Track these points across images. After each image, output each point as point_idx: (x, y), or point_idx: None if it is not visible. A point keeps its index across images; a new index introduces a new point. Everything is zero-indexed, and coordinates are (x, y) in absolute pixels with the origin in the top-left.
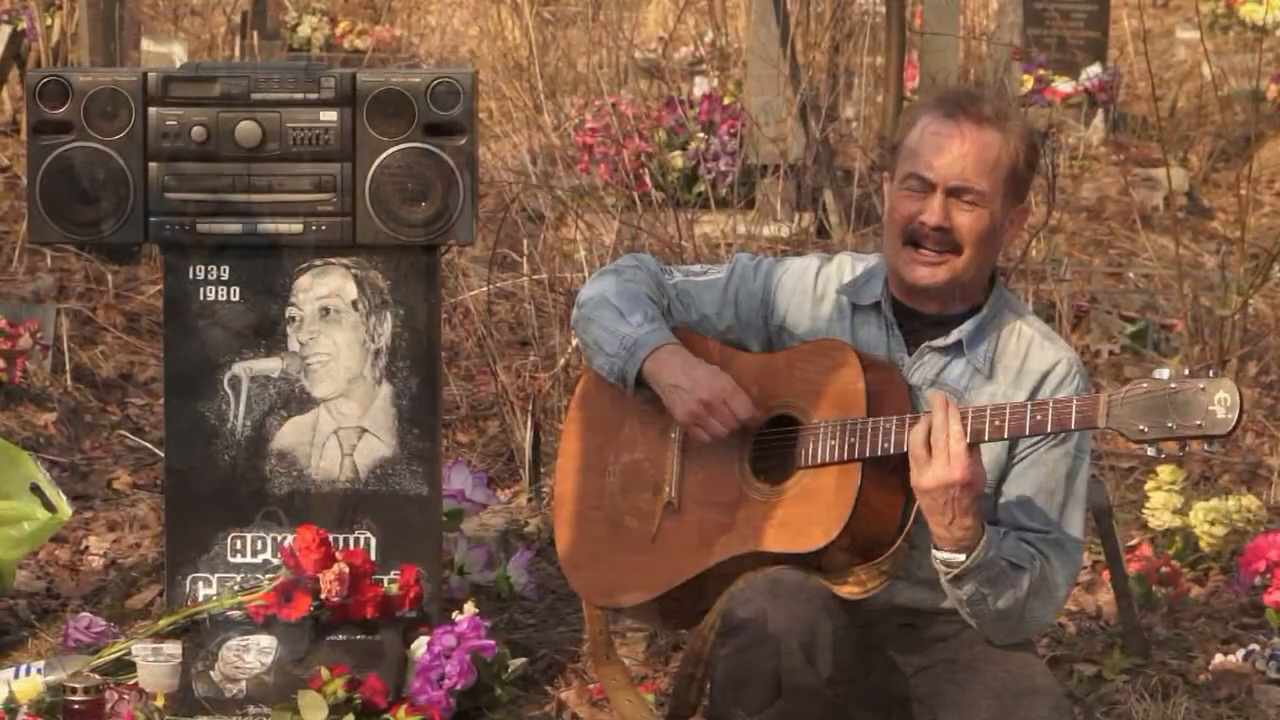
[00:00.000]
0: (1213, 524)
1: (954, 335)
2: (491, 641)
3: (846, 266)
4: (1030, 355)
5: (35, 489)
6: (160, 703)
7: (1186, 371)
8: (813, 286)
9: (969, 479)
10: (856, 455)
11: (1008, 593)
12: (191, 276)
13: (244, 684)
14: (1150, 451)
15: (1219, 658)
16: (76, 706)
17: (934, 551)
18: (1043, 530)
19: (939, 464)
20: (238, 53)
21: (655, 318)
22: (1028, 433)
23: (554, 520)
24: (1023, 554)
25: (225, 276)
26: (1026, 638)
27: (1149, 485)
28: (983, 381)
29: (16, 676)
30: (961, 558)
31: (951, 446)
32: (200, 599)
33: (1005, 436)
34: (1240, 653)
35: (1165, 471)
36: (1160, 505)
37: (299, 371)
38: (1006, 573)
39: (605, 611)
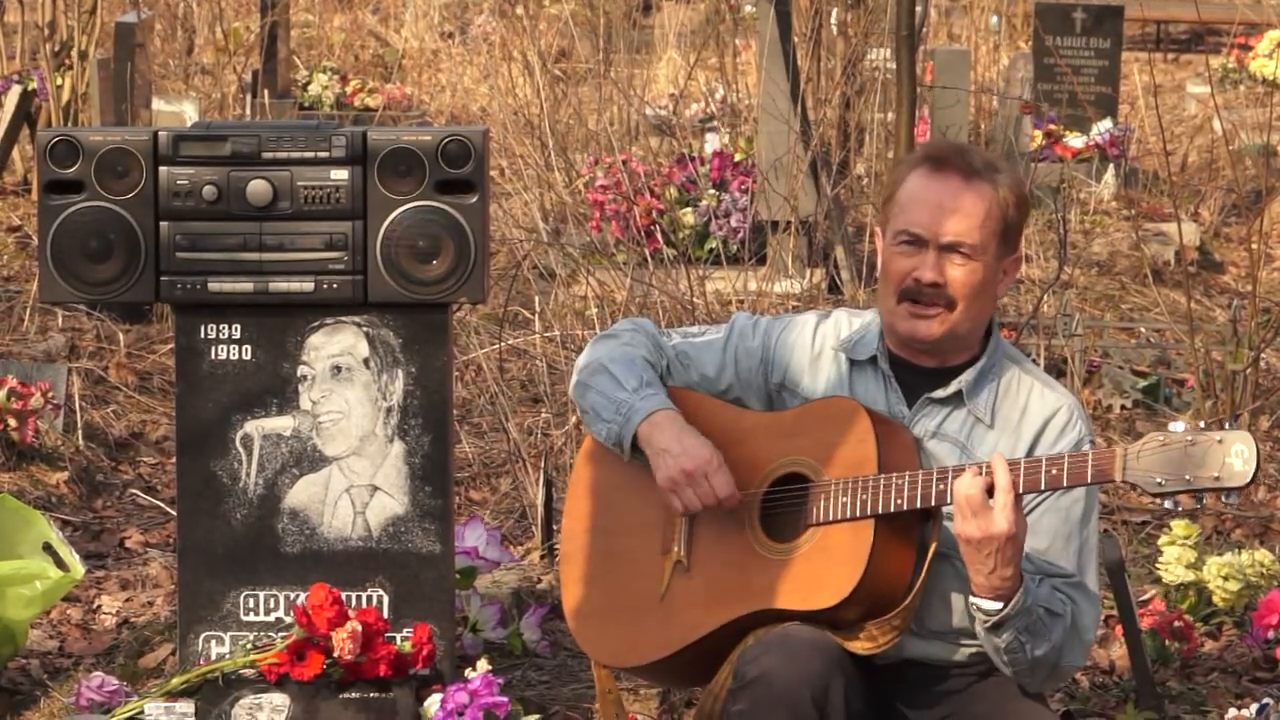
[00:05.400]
0: (1226, 579)
1: (954, 386)
2: (505, 699)
3: (843, 323)
4: (1030, 403)
5: (47, 548)
6: None
7: (1202, 425)
8: (810, 344)
9: (1015, 531)
10: (869, 513)
11: (1044, 640)
12: (203, 335)
13: None
14: (1167, 505)
15: (1232, 712)
16: None
17: (971, 599)
18: (1066, 575)
19: (986, 516)
20: (249, 112)
21: (652, 382)
22: (1044, 488)
23: (561, 579)
24: (1056, 601)
25: (237, 335)
26: (1060, 684)
27: (1162, 540)
28: (984, 431)
29: None
30: (999, 605)
31: (999, 498)
32: (213, 657)
33: (1021, 492)
34: (1254, 707)
35: (1178, 526)
36: (1173, 560)
37: (311, 430)
38: (1044, 620)
39: (614, 671)
